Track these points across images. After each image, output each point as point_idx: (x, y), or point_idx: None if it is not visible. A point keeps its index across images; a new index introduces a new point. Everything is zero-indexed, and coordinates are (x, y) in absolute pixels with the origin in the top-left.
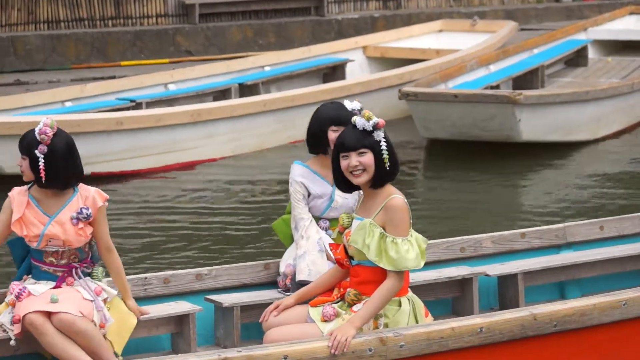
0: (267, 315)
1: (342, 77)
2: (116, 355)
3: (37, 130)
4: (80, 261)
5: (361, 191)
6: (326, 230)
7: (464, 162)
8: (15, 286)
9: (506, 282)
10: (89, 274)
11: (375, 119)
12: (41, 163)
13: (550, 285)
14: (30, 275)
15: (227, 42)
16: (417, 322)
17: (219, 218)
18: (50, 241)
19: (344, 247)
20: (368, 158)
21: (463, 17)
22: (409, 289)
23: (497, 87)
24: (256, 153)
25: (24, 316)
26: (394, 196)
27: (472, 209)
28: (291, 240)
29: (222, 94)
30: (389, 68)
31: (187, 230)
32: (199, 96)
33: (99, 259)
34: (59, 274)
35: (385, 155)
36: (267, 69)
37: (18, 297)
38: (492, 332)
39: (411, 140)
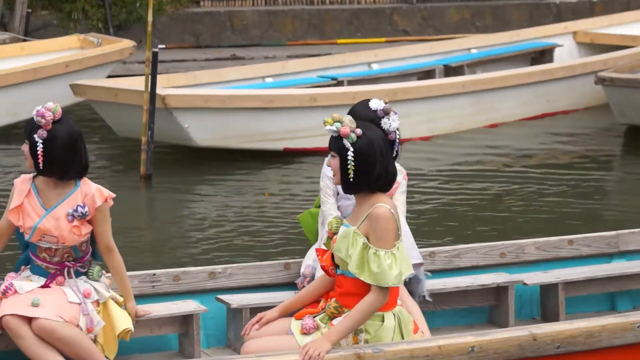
0: (248, 329)
1: (550, 61)
2: (108, 359)
3: (35, 112)
4: (75, 260)
5: None
6: None
7: None
8: (9, 278)
9: (547, 292)
10: (85, 273)
11: (335, 126)
12: (39, 148)
13: (600, 296)
14: (28, 267)
15: (444, 23)
16: (403, 339)
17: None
18: (44, 237)
19: (332, 253)
20: (335, 162)
21: None
22: (398, 302)
23: None
24: (452, 135)
25: (1, 317)
26: (378, 205)
27: None
28: (316, 235)
29: (426, 74)
30: (598, 54)
31: None
32: (402, 76)
33: (99, 256)
34: (51, 271)
35: (350, 166)
36: (473, 51)
37: (4, 293)
38: (486, 352)
39: (609, 127)
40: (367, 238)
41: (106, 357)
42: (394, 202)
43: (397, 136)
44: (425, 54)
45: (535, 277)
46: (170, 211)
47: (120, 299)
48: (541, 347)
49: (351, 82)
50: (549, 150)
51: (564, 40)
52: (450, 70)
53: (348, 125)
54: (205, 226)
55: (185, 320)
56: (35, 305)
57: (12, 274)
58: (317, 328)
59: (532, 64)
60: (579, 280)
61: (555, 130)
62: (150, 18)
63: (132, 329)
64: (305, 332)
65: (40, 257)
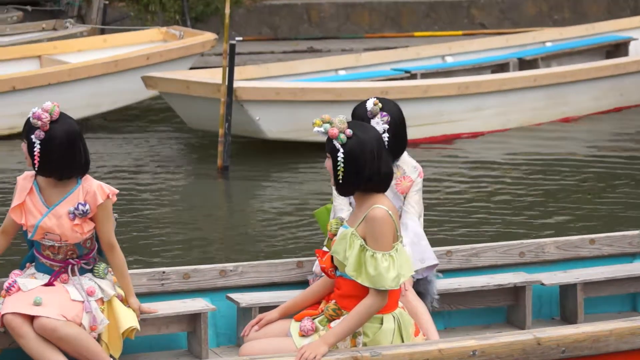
0: (247, 330)
1: (625, 55)
2: (112, 358)
3: (31, 114)
4: (79, 257)
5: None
6: None
7: None
8: (13, 276)
9: (566, 292)
10: (91, 270)
11: (324, 127)
12: (36, 149)
13: (622, 297)
14: (33, 264)
15: (522, 16)
16: (403, 342)
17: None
18: (46, 235)
19: (332, 255)
20: (328, 163)
21: None
22: (399, 305)
23: None
24: (524, 128)
25: (2, 315)
26: (375, 206)
27: None
28: None
29: (500, 67)
30: None
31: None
32: (476, 69)
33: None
34: (56, 268)
35: (340, 167)
36: (548, 44)
37: (7, 290)
38: (488, 357)
39: None
40: (365, 240)
41: (111, 355)
42: (409, 201)
43: (386, 139)
44: (500, 47)
45: (554, 277)
46: (247, 204)
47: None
48: (545, 351)
49: (424, 75)
50: (620, 144)
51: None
52: (524, 64)
53: (337, 127)
54: (280, 219)
55: (194, 319)
56: (37, 304)
57: (16, 271)
58: (315, 330)
59: (607, 58)
60: (598, 281)
61: (627, 124)
62: (227, 10)
63: (138, 327)
64: (304, 334)
65: (44, 254)
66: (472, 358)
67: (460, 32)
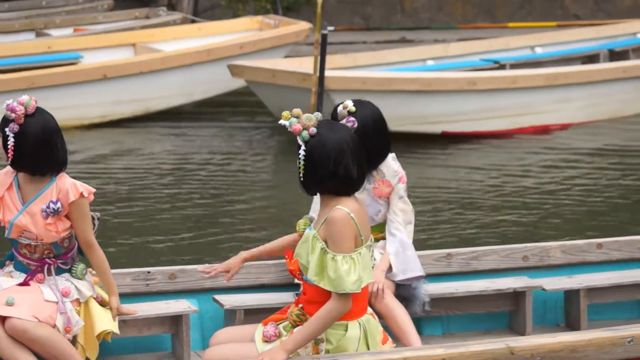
0: (213, 271)
1: None
2: None
3: (5, 105)
4: (56, 257)
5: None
6: None
7: None
8: None
9: (570, 298)
10: (69, 271)
11: (290, 121)
12: (10, 142)
13: (632, 304)
14: (13, 262)
15: (616, 8)
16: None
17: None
18: (23, 233)
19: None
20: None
21: None
22: (368, 310)
23: None
24: (613, 120)
25: None
26: (336, 207)
27: None
28: None
29: (590, 59)
30: None
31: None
32: (565, 60)
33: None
34: (32, 267)
35: (300, 165)
36: (639, 36)
37: None
38: None
39: None
40: (326, 243)
41: (87, 358)
42: (393, 209)
43: None
44: (590, 38)
45: (557, 283)
46: None
47: (107, 298)
48: None
49: (513, 66)
50: None
51: None
52: (614, 55)
53: (302, 123)
54: None
55: (176, 320)
56: (9, 304)
57: None
58: (278, 336)
59: None
60: (603, 287)
61: None
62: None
63: (115, 330)
64: (267, 339)
65: (21, 253)
66: None
67: (554, 24)
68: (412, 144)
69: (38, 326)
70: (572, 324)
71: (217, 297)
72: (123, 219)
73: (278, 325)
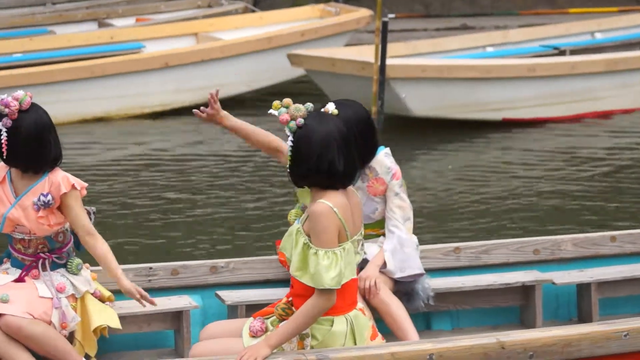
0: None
1: None
2: (88, 357)
3: (0, 100)
4: (51, 251)
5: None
6: None
7: None
8: None
9: (582, 292)
10: (64, 266)
11: (279, 111)
12: (3, 137)
13: None
14: (10, 259)
15: None
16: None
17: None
18: (16, 227)
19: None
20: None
21: None
22: (358, 306)
23: None
24: None
25: None
26: (319, 201)
27: None
28: None
29: None
30: None
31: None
32: (626, 45)
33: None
34: (27, 262)
35: (288, 155)
36: None
37: None
38: None
39: None
40: (309, 237)
41: (86, 354)
42: (390, 206)
43: None
44: None
45: (567, 276)
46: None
47: (107, 294)
48: (511, 356)
49: (573, 52)
50: None
51: None
52: None
53: (291, 114)
54: (433, 200)
55: (177, 316)
56: (4, 301)
57: None
58: (265, 331)
59: None
60: (615, 280)
61: None
62: None
63: (113, 325)
64: (253, 334)
65: (16, 248)
66: None
67: (615, 9)
68: (472, 131)
69: (33, 323)
70: (584, 319)
71: (220, 292)
72: (200, 209)
73: (267, 319)
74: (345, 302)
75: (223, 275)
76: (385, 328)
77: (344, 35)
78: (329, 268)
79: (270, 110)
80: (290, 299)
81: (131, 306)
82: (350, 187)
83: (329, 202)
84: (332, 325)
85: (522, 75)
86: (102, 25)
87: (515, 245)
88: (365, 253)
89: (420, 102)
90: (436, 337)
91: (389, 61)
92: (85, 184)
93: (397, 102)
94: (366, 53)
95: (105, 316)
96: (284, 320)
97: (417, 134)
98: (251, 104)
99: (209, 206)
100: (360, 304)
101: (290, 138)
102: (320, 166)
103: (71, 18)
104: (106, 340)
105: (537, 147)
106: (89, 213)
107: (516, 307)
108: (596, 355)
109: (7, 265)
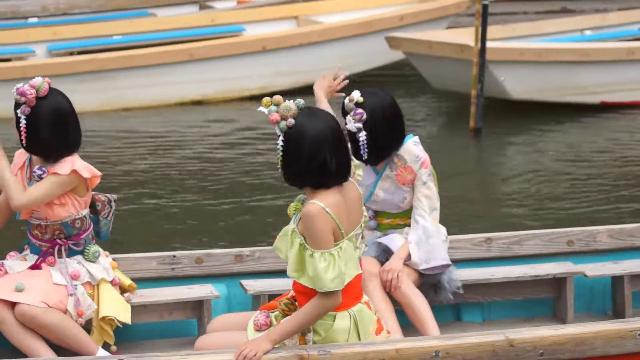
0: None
1: None
2: (108, 345)
3: (15, 90)
4: (67, 238)
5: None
6: (370, 219)
7: None
8: (8, 258)
9: (616, 285)
10: (81, 252)
11: (269, 109)
12: (22, 124)
13: None
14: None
15: None
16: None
17: None
18: (33, 213)
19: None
20: None
21: None
22: (363, 299)
23: None
24: None
25: None
26: (310, 202)
27: None
28: None
29: None
30: None
31: None
32: None
33: (105, 236)
34: (44, 249)
35: (279, 155)
36: None
37: None
38: (453, 358)
39: None
40: (305, 238)
41: (105, 342)
42: (417, 195)
43: (362, 138)
44: None
45: (600, 269)
46: (500, 168)
47: (127, 282)
48: (520, 354)
49: None
50: None
51: None
52: None
53: (281, 113)
54: (527, 184)
55: (199, 306)
56: (19, 290)
57: (12, 253)
58: (269, 325)
59: None
60: None
61: None
62: None
63: (120, 319)
64: (258, 328)
65: (33, 234)
66: (434, 359)
67: None
68: (570, 114)
69: (48, 312)
70: (618, 312)
71: (244, 282)
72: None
73: (272, 313)
74: (349, 297)
75: (248, 264)
76: (406, 320)
77: (444, 19)
78: (327, 270)
79: (260, 108)
80: (293, 294)
81: (153, 295)
82: (351, 181)
83: (321, 203)
84: (334, 321)
85: (621, 58)
86: (203, 7)
87: (548, 236)
88: (382, 244)
89: (519, 85)
90: (466, 330)
91: (488, 44)
92: (99, 173)
93: (495, 85)
94: (464, 36)
95: (115, 308)
96: (286, 315)
97: (515, 116)
98: (347, 88)
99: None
100: (365, 297)
101: (281, 138)
102: (312, 166)
103: (172, 0)
104: (128, 329)
105: (637, 129)
106: (109, 201)
107: (550, 299)
108: (610, 354)
109: (27, 252)
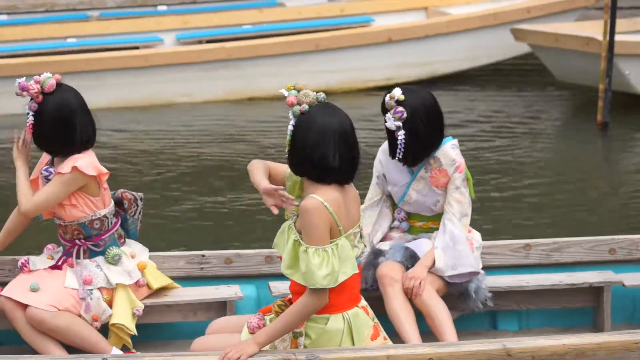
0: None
1: None
2: (126, 347)
3: (17, 84)
4: (87, 238)
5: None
6: (400, 222)
7: None
8: (46, 251)
9: None
10: (102, 253)
11: (290, 92)
12: (29, 120)
13: None
14: None
15: None
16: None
17: None
18: (55, 213)
19: None
20: None
21: None
22: (360, 303)
23: None
24: None
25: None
26: (309, 196)
27: None
28: None
29: None
30: None
31: None
32: None
33: (134, 234)
34: (67, 248)
35: (287, 139)
36: None
37: (21, 268)
38: None
39: None
40: (301, 234)
41: (124, 345)
42: (449, 200)
43: (400, 137)
44: None
45: (639, 278)
46: (626, 164)
47: (155, 286)
48: None
49: None
50: None
51: None
52: None
53: (298, 98)
54: None
55: (223, 307)
56: (33, 290)
57: (49, 246)
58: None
59: None
60: None
61: None
62: None
63: (127, 325)
64: (251, 331)
65: (59, 233)
66: None
67: None
68: None
69: (57, 316)
70: None
71: (271, 283)
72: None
73: (267, 316)
74: (344, 299)
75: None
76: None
77: (572, 12)
78: (320, 266)
79: (282, 90)
80: (290, 296)
81: (178, 295)
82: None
83: (320, 197)
84: (326, 324)
85: None
86: None
87: (590, 243)
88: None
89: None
90: (502, 337)
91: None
92: (106, 171)
93: (620, 78)
94: (591, 29)
95: (126, 316)
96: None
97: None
98: (472, 81)
99: None
100: (364, 302)
101: (292, 122)
102: (314, 157)
103: None
104: (150, 329)
105: None
106: (136, 199)
107: (590, 308)
108: None
109: (57, 249)
